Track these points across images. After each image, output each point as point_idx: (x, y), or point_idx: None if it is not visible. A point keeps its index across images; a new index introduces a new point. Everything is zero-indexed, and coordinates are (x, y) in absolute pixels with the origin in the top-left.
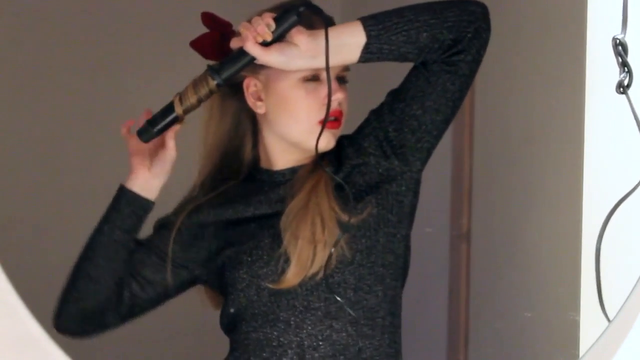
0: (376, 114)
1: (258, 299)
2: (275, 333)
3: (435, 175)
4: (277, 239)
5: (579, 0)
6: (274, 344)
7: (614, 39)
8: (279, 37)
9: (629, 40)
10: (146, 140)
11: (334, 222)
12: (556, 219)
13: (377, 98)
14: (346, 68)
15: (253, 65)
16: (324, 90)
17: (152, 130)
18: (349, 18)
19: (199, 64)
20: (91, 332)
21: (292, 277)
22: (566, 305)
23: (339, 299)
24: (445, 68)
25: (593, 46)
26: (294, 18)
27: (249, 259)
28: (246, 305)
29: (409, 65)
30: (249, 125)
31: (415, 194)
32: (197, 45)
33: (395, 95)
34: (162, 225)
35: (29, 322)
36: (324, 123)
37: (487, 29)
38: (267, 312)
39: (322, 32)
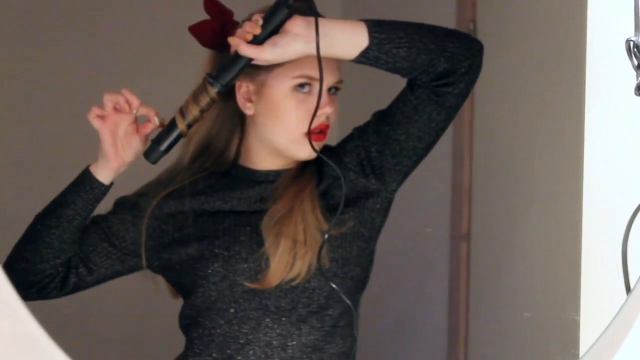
0: (360, 132)
1: (230, 294)
2: (243, 331)
3: (435, 175)
4: (256, 237)
5: (579, 0)
6: (241, 341)
7: (628, 41)
8: (273, 32)
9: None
10: (154, 162)
11: (317, 230)
12: (556, 219)
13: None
14: (340, 80)
15: (250, 70)
16: (313, 102)
17: (158, 149)
18: (349, 17)
19: (201, 54)
20: (29, 299)
21: (270, 279)
22: (566, 305)
23: (334, 286)
24: (434, 98)
25: (593, 46)
26: (284, 11)
27: (226, 254)
28: (216, 299)
29: (402, 80)
30: (237, 123)
31: (386, 213)
32: (196, 30)
33: (381, 117)
34: (125, 208)
35: (29, 322)
36: (309, 133)
37: (480, 67)
38: (237, 309)
39: (321, 20)
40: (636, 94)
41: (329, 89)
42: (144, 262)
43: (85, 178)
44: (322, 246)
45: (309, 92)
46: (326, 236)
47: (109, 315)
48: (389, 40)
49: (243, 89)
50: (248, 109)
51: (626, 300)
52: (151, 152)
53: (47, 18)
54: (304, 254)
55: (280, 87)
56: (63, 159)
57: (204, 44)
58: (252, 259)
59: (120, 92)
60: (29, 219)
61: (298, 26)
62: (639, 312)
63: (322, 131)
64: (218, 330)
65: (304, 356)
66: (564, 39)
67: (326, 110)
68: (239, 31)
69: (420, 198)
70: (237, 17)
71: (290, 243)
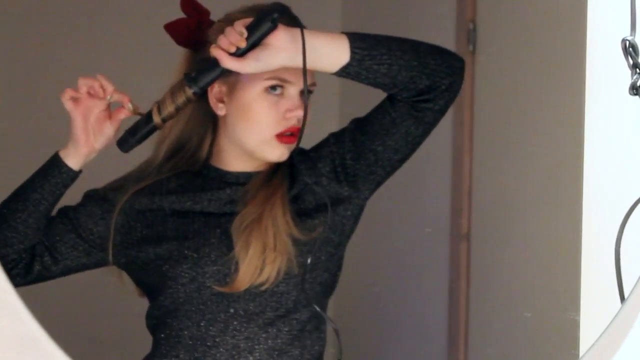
0: (336, 139)
1: (199, 296)
2: (211, 333)
3: (435, 175)
4: (225, 240)
5: (579, 0)
6: (209, 343)
7: (624, 40)
8: (255, 44)
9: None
10: (126, 150)
11: (287, 236)
12: (556, 219)
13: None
14: (313, 83)
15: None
16: (285, 105)
17: (131, 139)
18: (349, 17)
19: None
20: None
21: (239, 284)
22: (566, 305)
23: (317, 308)
24: (413, 113)
25: (593, 46)
26: (268, 25)
27: (195, 255)
28: (184, 301)
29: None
30: (209, 124)
31: (357, 220)
32: (172, 29)
33: (359, 126)
34: (94, 201)
35: (29, 322)
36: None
37: (461, 84)
38: (205, 311)
39: (307, 34)
40: (631, 94)
41: (302, 92)
42: (110, 257)
43: (54, 162)
44: (306, 273)
45: (281, 94)
46: (309, 261)
47: (109, 315)
48: (371, 57)
49: (215, 89)
50: (220, 110)
51: (626, 300)
52: (124, 141)
53: (47, 18)
54: (274, 259)
55: (252, 89)
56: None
57: (179, 43)
58: (221, 261)
59: (95, 77)
60: None
61: (282, 40)
62: (639, 312)
63: (293, 134)
64: (185, 332)
65: (271, 359)
66: (564, 39)
67: (297, 113)
68: (222, 41)
69: (420, 198)
70: (214, 16)
71: (260, 247)
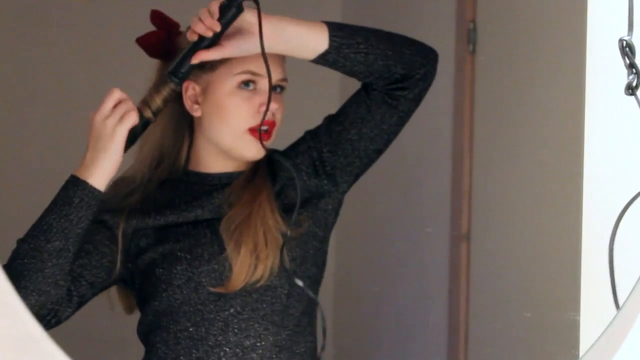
0: (312, 134)
1: (196, 296)
2: (212, 332)
3: (435, 175)
4: (216, 240)
5: (579, 0)
6: (210, 343)
7: (621, 40)
8: (224, 31)
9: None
10: (125, 151)
11: (277, 233)
12: (556, 219)
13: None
14: (284, 78)
15: (195, 71)
16: (258, 99)
17: (127, 140)
18: (349, 17)
19: None
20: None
21: (234, 283)
22: (566, 305)
23: (299, 282)
24: (387, 100)
25: (593, 46)
26: (233, 11)
27: (188, 256)
28: (182, 302)
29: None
30: (186, 127)
31: (336, 214)
32: (143, 42)
33: (333, 119)
34: (97, 228)
35: (29, 322)
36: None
37: (434, 75)
38: (204, 310)
39: (283, 20)
40: (626, 94)
41: (274, 87)
42: (118, 277)
43: (85, 190)
44: (284, 246)
45: (254, 89)
46: (288, 233)
47: (109, 315)
48: (348, 45)
49: (189, 91)
50: (195, 111)
51: (626, 300)
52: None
53: (47, 17)
54: (266, 256)
55: (225, 85)
56: (63, 158)
57: (152, 55)
58: (215, 260)
59: (111, 90)
60: (29, 218)
61: (258, 26)
62: (639, 312)
63: (268, 130)
64: (185, 333)
65: (273, 356)
66: (564, 39)
67: (271, 106)
68: (197, 25)
69: (420, 198)
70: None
71: (251, 246)
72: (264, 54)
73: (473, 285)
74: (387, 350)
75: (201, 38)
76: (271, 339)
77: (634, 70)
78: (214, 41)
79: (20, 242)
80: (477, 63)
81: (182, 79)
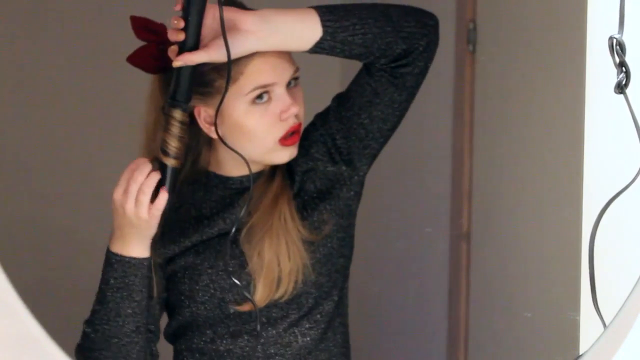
0: (322, 120)
1: (220, 312)
2: (239, 344)
3: (435, 175)
4: (238, 252)
5: (579, 0)
6: (237, 354)
7: (611, 38)
8: (199, 25)
9: (628, 39)
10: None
11: (300, 244)
12: (556, 219)
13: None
14: (296, 69)
15: (203, 96)
16: (276, 107)
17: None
18: None
19: None
20: None
21: (257, 302)
22: (566, 305)
23: (236, 281)
24: (392, 80)
25: (593, 46)
26: (195, 1)
27: (209, 271)
28: (206, 317)
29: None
30: (205, 142)
31: (360, 196)
32: (135, 60)
33: (342, 102)
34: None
35: (29, 322)
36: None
37: (437, 42)
38: (229, 324)
39: (271, 13)
40: (616, 92)
41: (288, 84)
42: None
43: (137, 264)
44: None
45: (269, 99)
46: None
47: None
48: (343, 28)
49: (203, 114)
50: (213, 133)
51: (626, 300)
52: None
53: (48, 17)
54: (289, 272)
55: (238, 107)
56: (63, 158)
57: (149, 71)
58: (237, 274)
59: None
60: (29, 218)
61: (249, 23)
62: (639, 312)
63: (296, 132)
64: (210, 346)
65: (303, 359)
66: (564, 39)
67: (292, 111)
68: (170, 33)
69: (420, 198)
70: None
71: (274, 261)
72: (225, 41)
73: (473, 285)
74: (387, 350)
75: (181, 44)
76: (300, 342)
77: (623, 68)
78: (196, 42)
79: (93, 332)
80: (477, 63)
81: (187, 100)
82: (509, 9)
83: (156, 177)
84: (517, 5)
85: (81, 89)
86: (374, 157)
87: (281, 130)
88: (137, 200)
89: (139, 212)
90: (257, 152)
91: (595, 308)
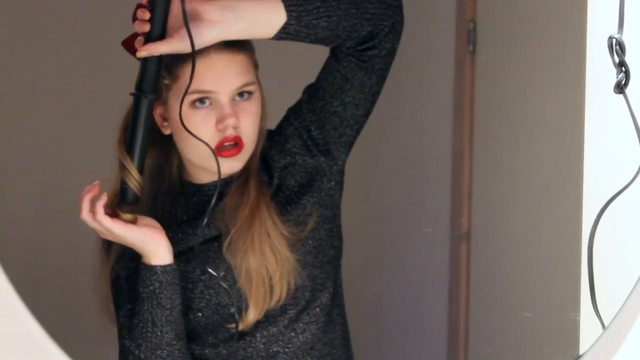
0: (295, 113)
1: (219, 316)
2: (242, 345)
3: (435, 175)
4: (226, 266)
5: (579, 0)
6: (240, 355)
7: (610, 38)
8: (165, 16)
9: (628, 39)
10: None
11: (285, 247)
12: (556, 219)
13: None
14: (246, 83)
15: (160, 88)
16: (216, 115)
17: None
18: None
19: None
20: None
21: (252, 316)
22: (566, 305)
23: (212, 272)
24: (361, 65)
25: (593, 46)
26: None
27: (202, 277)
28: (206, 323)
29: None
30: (171, 143)
31: (341, 185)
32: (130, 44)
33: (313, 93)
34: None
35: (29, 322)
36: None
37: (402, 23)
38: (229, 328)
39: (235, 1)
40: (615, 92)
41: (234, 97)
42: None
43: (160, 270)
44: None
45: (210, 105)
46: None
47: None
48: (307, 12)
49: (158, 109)
50: (165, 129)
51: (626, 300)
52: (127, 193)
53: (47, 18)
54: (280, 278)
55: (178, 106)
56: (63, 158)
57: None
58: (227, 283)
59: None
60: (30, 218)
61: (213, 12)
62: (639, 312)
63: (236, 144)
64: (213, 350)
65: (306, 354)
66: (564, 39)
67: (227, 122)
68: (136, 25)
69: (420, 198)
70: None
71: (263, 272)
72: (189, 31)
73: (473, 285)
74: (387, 350)
75: (147, 35)
76: (301, 337)
77: (623, 68)
78: (162, 32)
79: (136, 347)
80: (477, 63)
81: (154, 91)
82: (509, 9)
83: (95, 184)
84: (517, 5)
85: (81, 88)
86: (350, 144)
87: (215, 139)
88: (91, 212)
89: (99, 220)
90: (196, 157)
91: (594, 309)
